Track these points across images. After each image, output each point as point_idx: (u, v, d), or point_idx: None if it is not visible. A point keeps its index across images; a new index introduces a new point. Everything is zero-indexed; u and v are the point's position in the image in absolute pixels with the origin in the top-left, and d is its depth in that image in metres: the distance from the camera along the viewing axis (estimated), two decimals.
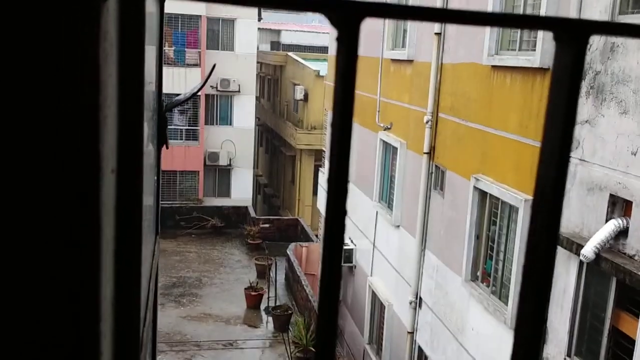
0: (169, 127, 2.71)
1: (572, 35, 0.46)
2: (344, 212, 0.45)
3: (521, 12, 8.15)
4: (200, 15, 25.36)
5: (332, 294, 0.47)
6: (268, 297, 17.39)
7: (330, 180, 0.45)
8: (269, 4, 0.44)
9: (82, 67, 0.50)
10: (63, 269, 0.55)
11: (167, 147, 2.06)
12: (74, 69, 0.50)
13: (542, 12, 7.39)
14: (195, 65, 25.08)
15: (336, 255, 0.46)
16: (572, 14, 6.85)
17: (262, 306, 17.50)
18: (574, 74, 0.47)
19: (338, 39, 0.44)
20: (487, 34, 8.66)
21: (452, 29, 10.08)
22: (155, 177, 1.90)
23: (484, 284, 9.04)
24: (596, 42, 6.54)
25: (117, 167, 0.65)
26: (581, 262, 6.57)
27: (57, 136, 0.52)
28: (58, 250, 0.55)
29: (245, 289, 17.72)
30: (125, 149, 0.66)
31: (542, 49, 7.40)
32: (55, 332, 0.57)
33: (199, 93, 24.99)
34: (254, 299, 17.45)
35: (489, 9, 8.60)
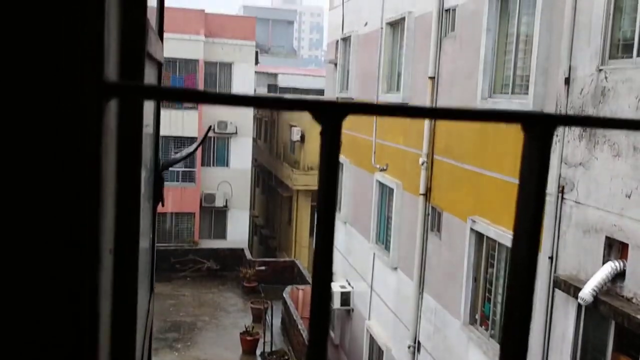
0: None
1: (539, 128, 0.49)
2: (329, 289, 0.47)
3: (512, 58, 8.30)
4: (198, 60, 25.74)
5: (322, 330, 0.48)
6: (264, 342, 17.12)
7: (315, 277, 0.46)
8: (260, 105, 0.48)
9: (83, 161, 0.53)
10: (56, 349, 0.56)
11: (162, 205, 2.07)
12: (76, 162, 0.53)
13: (534, 58, 7.53)
14: (193, 108, 25.31)
15: (325, 297, 0.48)
16: (564, 59, 6.98)
17: (258, 351, 17.21)
18: (541, 164, 0.49)
19: (322, 133, 0.48)
20: (481, 77, 8.80)
21: (445, 73, 10.25)
22: (151, 236, 1.91)
23: (483, 327, 8.95)
24: (587, 85, 6.66)
25: (114, 247, 0.66)
26: (579, 306, 6.53)
27: (56, 219, 0.54)
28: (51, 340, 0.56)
29: (240, 333, 17.45)
30: (123, 230, 0.67)
31: (534, 93, 7.51)
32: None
33: (196, 134, 25.14)
34: (249, 344, 17.17)
35: (481, 55, 8.76)
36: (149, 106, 1.57)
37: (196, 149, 2.86)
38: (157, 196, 1.96)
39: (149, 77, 1.38)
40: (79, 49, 0.51)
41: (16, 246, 0.54)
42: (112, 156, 0.60)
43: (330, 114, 0.49)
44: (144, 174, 1.29)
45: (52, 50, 0.51)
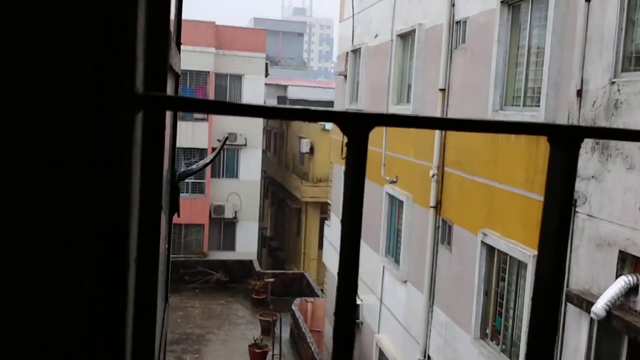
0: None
1: (565, 140, 0.49)
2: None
3: (524, 70, 8.28)
4: (209, 72, 25.89)
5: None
6: (273, 355, 17.05)
7: (339, 289, 0.46)
8: (287, 117, 0.48)
9: (114, 172, 0.53)
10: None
11: (178, 216, 2.08)
12: (108, 173, 0.53)
13: (545, 70, 7.52)
14: (203, 119, 25.43)
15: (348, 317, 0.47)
16: (575, 72, 6.96)
17: None
18: (566, 176, 0.48)
19: (348, 144, 0.48)
20: (491, 89, 8.79)
21: (456, 85, 10.24)
22: (167, 246, 1.91)
23: (494, 342, 8.86)
24: (599, 98, 6.63)
25: (136, 257, 0.66)
26: (592, 320, 6.46)
27: (87, 228, 0.55)
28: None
29: (249, 346, 17.39)
30: (144, 240, 0.68)
31: (546, 105, 7.49)
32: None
33: (206, 146, 25.25)
34: (258, 357, 17.10)
35: (492, 67, 8.76)
36: (167, 118, 1.58)
37: (213, 159, 2.87)
38: (173, 207, 1.97)
39: (169, 88, 1.38)
40: (113, 60, 0.52)
41: (54, 255, 0.54)
42: (137, 167, 0.61)
43: (357, 125, 0.49)
44: (163, 185, 1.29)
45: (87, 61, 0.52)
